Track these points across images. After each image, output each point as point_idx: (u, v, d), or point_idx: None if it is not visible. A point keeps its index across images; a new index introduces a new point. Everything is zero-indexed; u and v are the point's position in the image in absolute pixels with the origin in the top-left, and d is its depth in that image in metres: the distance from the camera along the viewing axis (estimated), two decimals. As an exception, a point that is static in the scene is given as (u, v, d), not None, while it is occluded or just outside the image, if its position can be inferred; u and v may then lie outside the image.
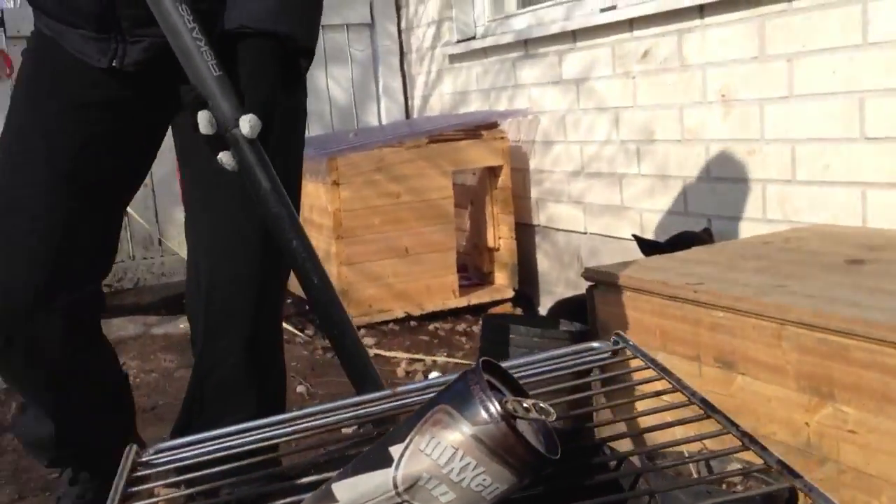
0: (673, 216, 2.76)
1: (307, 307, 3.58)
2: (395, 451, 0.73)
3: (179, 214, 3.50)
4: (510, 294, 3.51)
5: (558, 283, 3.45)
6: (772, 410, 1.48)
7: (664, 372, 0.96)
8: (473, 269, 3.76)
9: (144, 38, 1.26)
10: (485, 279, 3.66)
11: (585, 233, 3.23)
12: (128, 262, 4.09)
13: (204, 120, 1.08)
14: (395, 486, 0.72)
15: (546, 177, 3.42)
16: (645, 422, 0.96)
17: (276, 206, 1.06)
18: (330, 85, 4.44)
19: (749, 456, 0.83)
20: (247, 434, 0.96)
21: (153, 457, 0.95)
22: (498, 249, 3.57)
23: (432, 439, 0.71)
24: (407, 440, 0.72)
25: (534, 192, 3.52)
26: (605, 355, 1.04)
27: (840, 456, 1.36)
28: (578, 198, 3.23)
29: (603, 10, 2.95)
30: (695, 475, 1.27)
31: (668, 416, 0.92)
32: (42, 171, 1.32)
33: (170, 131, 1.50)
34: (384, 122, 4.50)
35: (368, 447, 0.77)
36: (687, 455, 1.21)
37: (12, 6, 3.68)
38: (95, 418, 1.52)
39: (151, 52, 1.27)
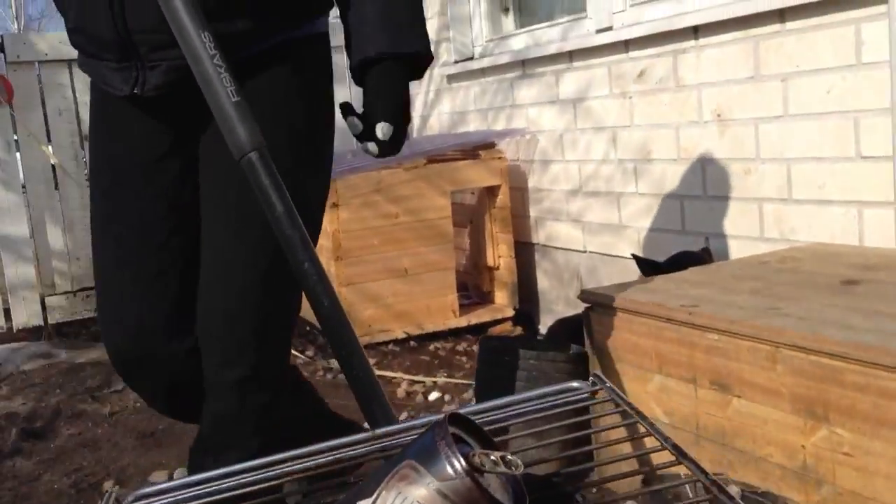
0: (671, 234, 2.76)
1: (307, 328, 3.59)
2: (362, 506, 0.74)
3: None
4: (510, 313, 3.51)
5: (558, 301, 3.45)
6: (768, 433, 1.48)
7: (639, 416, 0.98)
8: (473, 289, 3.76)
9: (162, 61, 1.28)
10: (485, 298, 3.66)
11: (585, 251, 3.24)
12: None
13: (351, 124, 1.26)
14: (364, 541, 0.73)
15: (545, 196, 3.43)
16: (619, 467, 0.97)
17: (289, 229, 1.10)
18: (329, 105, 4.45)
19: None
20: (228, 479, 0.96)
21: (133, 504, 0.95)
22: (498, 268, 3.58)
23: (398, 494, 0.72)
24: (374, 496, 0.74)
25: (533, 211, 3.52)
26: (584, 396, 1.05)
27: (836, 479, 1.36)
28: (577, 216, 3.24)
29: (599, 31, 2.97)
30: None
31: (638, 462, 0.94)
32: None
33: None
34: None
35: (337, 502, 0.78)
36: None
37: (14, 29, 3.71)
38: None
39: (171, 75, 1.29)
